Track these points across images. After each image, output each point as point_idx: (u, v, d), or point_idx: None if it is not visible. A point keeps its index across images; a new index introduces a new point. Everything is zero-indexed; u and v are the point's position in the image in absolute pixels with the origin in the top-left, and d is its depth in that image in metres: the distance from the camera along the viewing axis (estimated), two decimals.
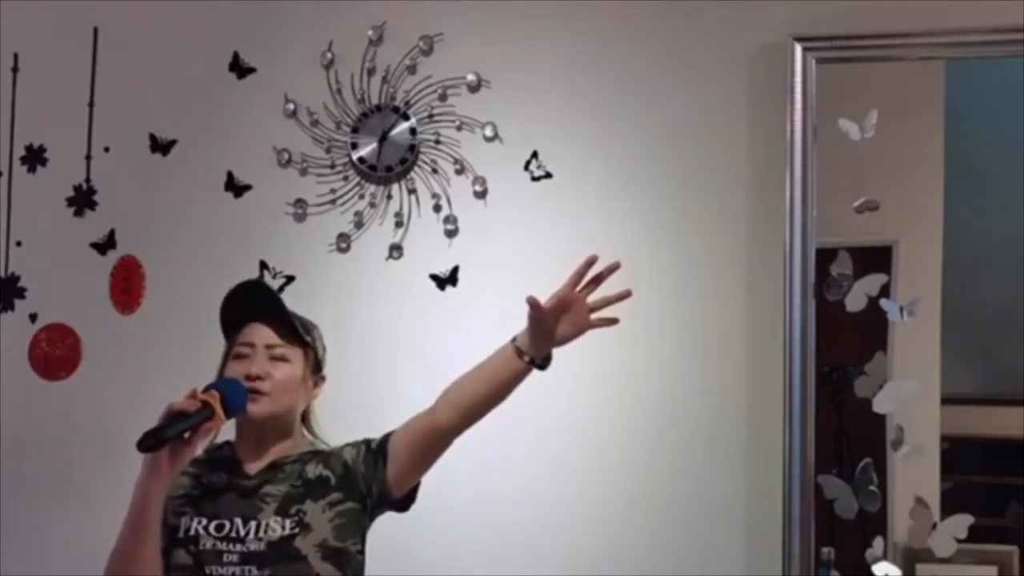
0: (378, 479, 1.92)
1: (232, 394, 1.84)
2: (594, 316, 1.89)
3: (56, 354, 2.78)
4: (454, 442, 1.94)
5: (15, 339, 2.81)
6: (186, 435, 1.77)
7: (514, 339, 1.89)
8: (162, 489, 1.79)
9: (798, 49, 2.43)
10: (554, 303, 1.85)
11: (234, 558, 1.83)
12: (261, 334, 1.93)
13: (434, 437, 1.92)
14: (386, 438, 1.96)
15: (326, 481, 1.92)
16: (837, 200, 2.41)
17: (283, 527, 1.85)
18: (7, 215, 2.85)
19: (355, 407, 2.55)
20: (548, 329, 1.86)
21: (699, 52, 2.56)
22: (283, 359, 1.92)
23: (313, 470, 1.93)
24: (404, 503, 1.98)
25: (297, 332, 1.95)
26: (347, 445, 1.98)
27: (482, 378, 1.91)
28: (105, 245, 2.79)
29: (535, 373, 1.90)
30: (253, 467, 1.93)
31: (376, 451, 1.94)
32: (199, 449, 1.84)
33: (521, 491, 2.55)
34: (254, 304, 1.96)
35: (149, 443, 1.72)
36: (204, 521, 1.87)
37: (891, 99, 2.43)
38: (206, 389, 1.83)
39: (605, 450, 2.53)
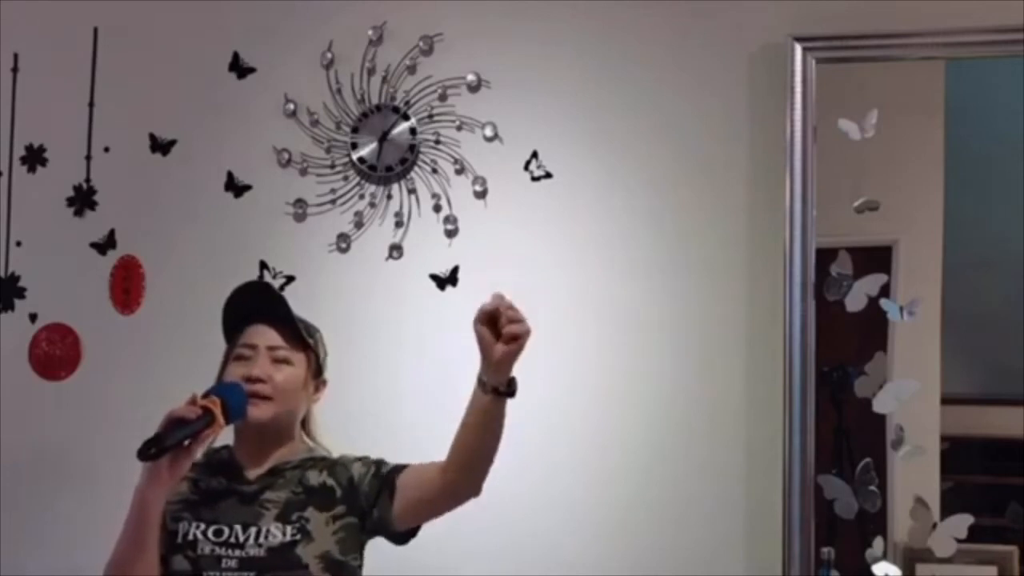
0: (381, 507, 1.89)
1: (233, 398, 1.82)
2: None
3: (56, 354, 2.78)
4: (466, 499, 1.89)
5: (15, 339, 2.81)
6: (186, 442, 1.76)
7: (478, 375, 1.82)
8: (161, 496, 1.78)
9: (798, 49, 2.43)
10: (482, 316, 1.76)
11: (233, 564, 1.81)
12: (264, 335, 1.91)
13: (443, 493, 1.87)
14: (397, 470, 1.92)
15: (331, 492, 1.90)
16: (837, 200, 2.41)
17: (284, 533, 1.84)
18: (7, 215, 2.85)
19: (355, 407, 2.55)
20: (490, 351, 1.76)
21: (699, 52, 2.56)
22: (285, 362, 1.90)
23: (316, 477, 1.91)
24: (405, 537, 1.95)
25: (300, 335, 1.93)
26: (357, 460, 1.95)
27: (464, 427, 1.84)
28: (105, 245, 2.79)
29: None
30: (253, 472, 1.91)
31: (384, 479, 1.91)
32: (198, 454, 1.83)
33: (521, 492, 2.54)
34: (258, 305, 1.94)
35: (149, 452, 1.70)
36: (203, 526, 1.85)
37: (891, 99, 2.43)
38: (206, 394, 1.81)
39: (605, 450, 2.53)
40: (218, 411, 1.78)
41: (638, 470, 2.51)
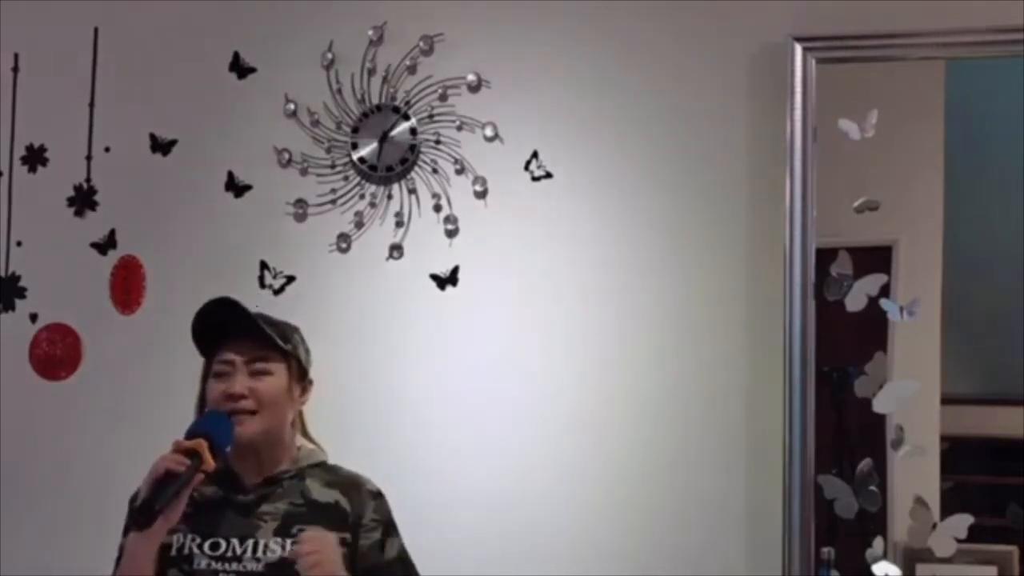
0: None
1: (217, 432, 1.79)
2: None
3: (56, 354, 2.78)
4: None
5: (15, 339, 2.80)
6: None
7: None
8: (155, 547, 1.75)
9: (798, 49, 2.43)
10: None
11: None
12: (239, 349, 1.87)
13: None
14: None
15: (343, 515, 1.87)
16: (837, 200, 2.41)
17: (283, 548, 1.80)
18: (7, 215, 2.85)
19: (354, 407, 2.55)
20: None
21: (699, 52, 2.56)
22: (265, 373, 1.87)
23: (323, 493, 1.88)
24: None
25: (276, 344, 1.88)
26: (373, 499, 1.91)
27: None
28: (105, 245, 2.79)
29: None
30: (249, 481, 1.87)
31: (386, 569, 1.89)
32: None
33: (522, 492, 2.54)
34: (227, 321, 1.89)
35: (143, 520, 1.67)
36: (199, 540, 1.81)
37: (891, 99, 2.43)
38: (189, 434, 1.77)
39: (605, 450, 2.53)
40: (206, 452, 1.73)
41: (638, 470, 2.51)
